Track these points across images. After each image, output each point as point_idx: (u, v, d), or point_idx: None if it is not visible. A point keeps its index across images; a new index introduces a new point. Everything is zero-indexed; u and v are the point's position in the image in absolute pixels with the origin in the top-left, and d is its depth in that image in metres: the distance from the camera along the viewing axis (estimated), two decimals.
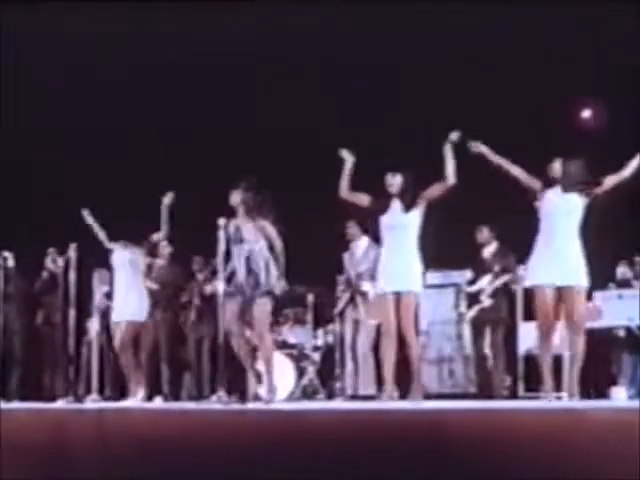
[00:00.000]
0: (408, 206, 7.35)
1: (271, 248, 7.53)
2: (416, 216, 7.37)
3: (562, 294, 6.94)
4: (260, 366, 7.65)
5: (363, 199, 7.55)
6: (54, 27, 10.50)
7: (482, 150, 7.18)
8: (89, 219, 8.80)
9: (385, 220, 7.45)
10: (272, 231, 7.57)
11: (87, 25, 10.49)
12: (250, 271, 7.48)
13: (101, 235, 8.82)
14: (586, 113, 11.11)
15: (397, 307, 7.34)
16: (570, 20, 9.67)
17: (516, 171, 7.12)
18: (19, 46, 10.55)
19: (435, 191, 7.35)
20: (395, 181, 7.41)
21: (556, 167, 7.04)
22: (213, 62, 10.92)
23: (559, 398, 7.01)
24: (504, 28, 9.90)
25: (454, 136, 7.21)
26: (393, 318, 7.35)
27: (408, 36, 10.30)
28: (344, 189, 7.48)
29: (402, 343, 7.37)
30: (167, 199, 8.42)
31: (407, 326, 7.32)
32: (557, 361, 7.57)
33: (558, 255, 6.90)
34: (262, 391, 7.63)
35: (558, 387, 7.45)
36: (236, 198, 7.59)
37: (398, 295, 7.33)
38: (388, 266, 7.41)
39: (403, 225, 7.37)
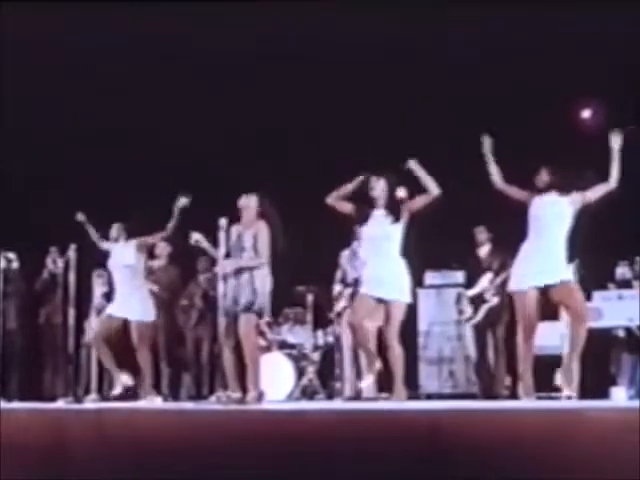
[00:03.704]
0: (391, 216, 7.24)
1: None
2: (399, 227, 7.26)
3: (556, 292, 6.94)
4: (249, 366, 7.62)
5: (347, 207, 7.42)
6: (54, 27, 10.51)
7: (489, 164, 7.18)
8: (84, 222, 8.82)
9: (367, 230, 7.34)
10: (265, 241, 7.54)
11: (86, 25, 10.49)
12: (240, 285, 7.45)
13: (94, 237, 8.82)
14: (586, 113, 11.11)
15: (385, 315, 7.26)
16: (570, 20, 9.67)
17: (504, 187, 7.16)
18: (18, 46, 10.56)
19: (419, 203, 7.26)
20: (378, 185, 7.31)
21: (543, 175, 7.05)
22: (213, 62, 10.91)
23: (569, 398, 6.99)
24: (504, 28, 9.90)
25: (411, 164, 7.18)
26: (366, 320, 7.30)
27: (407, 36, 10.29)
28: (333, 196, 7.39)
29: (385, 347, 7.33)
30: (182, 201, 8.36)
31: (392, 334, 7.23)
32: (557, 361, 7.56)
33: (544, 257, 6.91)
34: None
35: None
36: (250, 203, 7.56)
37: (386, 303, 7.23)
38: (374, 275, 7.28)
39: (386, 236, 7.25)
